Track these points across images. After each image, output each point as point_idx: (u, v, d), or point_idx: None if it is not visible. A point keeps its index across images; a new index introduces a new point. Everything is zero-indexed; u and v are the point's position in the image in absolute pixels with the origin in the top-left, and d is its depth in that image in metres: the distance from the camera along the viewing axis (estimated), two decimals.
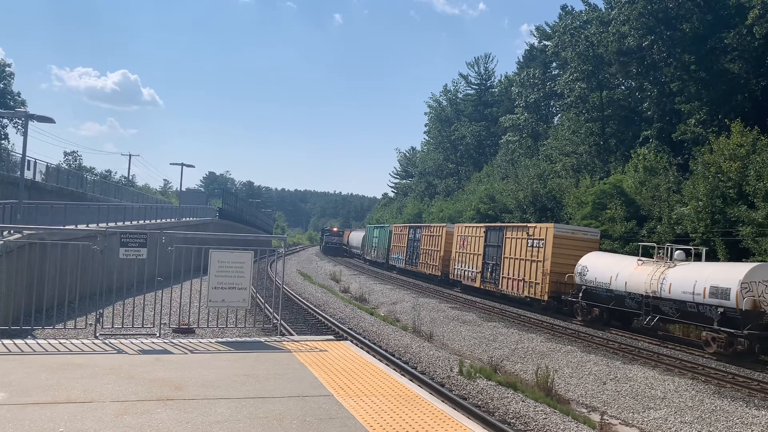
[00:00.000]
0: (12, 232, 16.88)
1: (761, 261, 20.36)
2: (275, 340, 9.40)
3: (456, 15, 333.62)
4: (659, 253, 22.56)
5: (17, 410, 5.37)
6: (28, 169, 32.73)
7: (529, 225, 30.36)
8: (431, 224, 45.08)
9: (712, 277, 18.64)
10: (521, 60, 62.05)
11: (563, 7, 47.80)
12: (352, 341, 17.08)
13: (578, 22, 42.98)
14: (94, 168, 79.83)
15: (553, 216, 37.99)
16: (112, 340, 8.77)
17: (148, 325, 10.94)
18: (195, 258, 10.17)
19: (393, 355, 17.18)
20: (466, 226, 37.11)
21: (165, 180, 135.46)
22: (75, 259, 14.66)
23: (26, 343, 8.31)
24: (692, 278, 19.26)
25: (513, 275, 29.65)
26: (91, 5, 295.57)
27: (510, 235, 30.49)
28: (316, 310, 25.43)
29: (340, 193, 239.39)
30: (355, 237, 71.08)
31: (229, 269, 9.58)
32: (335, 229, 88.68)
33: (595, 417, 13.28)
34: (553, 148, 45.57)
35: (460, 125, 71.48)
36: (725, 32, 31.61)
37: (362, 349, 12.21)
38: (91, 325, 12.11)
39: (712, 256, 23.26)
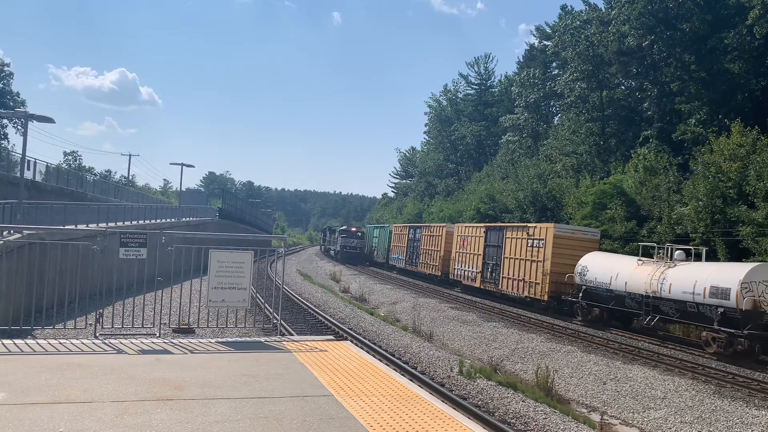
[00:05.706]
0: (12, 232, 16.87)
1: (761, 261, 20.36)
2: (275, 340, 9.40)
3: (454, 15, 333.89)
4: (659, 253, 22.56)
5: (17, 410, 5.37)
6: (28, 169, 32.79)
7: (529, 225, 30.36)
8: (431, 224, 45.08)
9: (712, 277, 18.64)
10: (521, 60, 62.03)
11: (563, 7, 47.78)
12: (352, 341, 17.07)
13: (578, 22, 42.91)
14: (93, 168, 79.92)
15: (553, 216, 37.96)
16: (112, 340, 8.77)
17: (148, 325, 10.94)
18: (195, 258, 10.18)
19: (393, 355, 17.16)
20: (466, 226, 37.12)
21: (165, 180, 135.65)
22: (75, 259, 14.65)
23: (26, 343, 8.30)
24: (692, 278, 19.26)
25: (513, 275, 29.65)
26: (88, 3, 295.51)
27: (510, 235, 30.49)
28: (316, 310, 25.41)
29: (340, 193, 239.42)
30: None
31: (229, 269, 9.58)
32: (354, 229, 67.10)
33: (595, 417, 13.28)
34: (553, 148, 45.55)
35: (460, 125, 71.45)
36: (725, 32, 31.60)
37: (362, 349, 12.21)
38: (91, 325, 12.10)
39: (712, 256, 23.25)
